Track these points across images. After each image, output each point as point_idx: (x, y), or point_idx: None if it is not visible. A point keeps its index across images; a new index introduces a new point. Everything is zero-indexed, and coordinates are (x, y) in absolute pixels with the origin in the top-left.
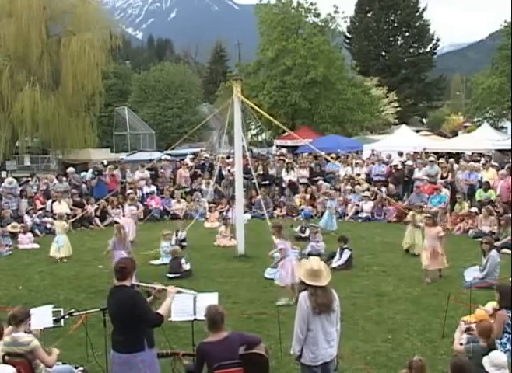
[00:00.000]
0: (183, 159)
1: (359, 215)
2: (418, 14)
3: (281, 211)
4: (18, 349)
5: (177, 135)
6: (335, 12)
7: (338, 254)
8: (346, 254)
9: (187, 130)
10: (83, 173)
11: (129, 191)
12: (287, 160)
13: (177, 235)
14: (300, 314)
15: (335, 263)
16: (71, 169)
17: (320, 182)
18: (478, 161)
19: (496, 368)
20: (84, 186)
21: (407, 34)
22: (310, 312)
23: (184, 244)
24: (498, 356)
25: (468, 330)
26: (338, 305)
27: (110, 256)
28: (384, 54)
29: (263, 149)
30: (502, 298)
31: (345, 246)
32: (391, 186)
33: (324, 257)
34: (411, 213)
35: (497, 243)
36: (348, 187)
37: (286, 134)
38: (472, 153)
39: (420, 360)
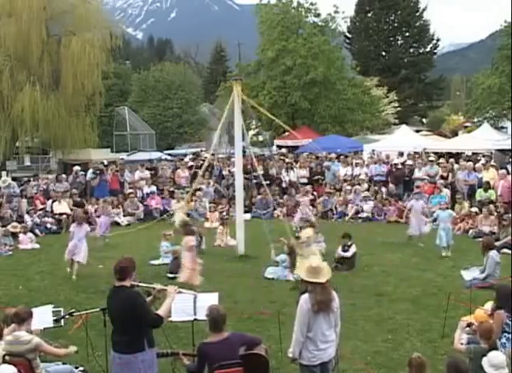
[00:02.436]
0: (182, 159)
1: (360, 215)
2: (418, 14)
3: (281, 211)
4: (19, 347)
5: (176, 135)
6: (335, 12)
7: (341, 251)
8: (353, 248)
9: (187, 130)
10: (81, 173)
11: (129, 191)
12: (287, 160)
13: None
14: (301, 316)
15: (342, 252)
16: (77, 168)
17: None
18: (478, 161)
19: (494, 368)
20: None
21: (407, 34)
22: (310, 315)
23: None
24: (496, 356)
25: (469, 325)
26: (337, 307)
27: None
28: (384, 53)
29: (263, 149)
30: (500, 298)
31: (350, 243)
32: (391, 186)
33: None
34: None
35: (497, 243)
36: (349, 187)
37: (286, 134)
38: (472, 153)
39: (419, 357)
